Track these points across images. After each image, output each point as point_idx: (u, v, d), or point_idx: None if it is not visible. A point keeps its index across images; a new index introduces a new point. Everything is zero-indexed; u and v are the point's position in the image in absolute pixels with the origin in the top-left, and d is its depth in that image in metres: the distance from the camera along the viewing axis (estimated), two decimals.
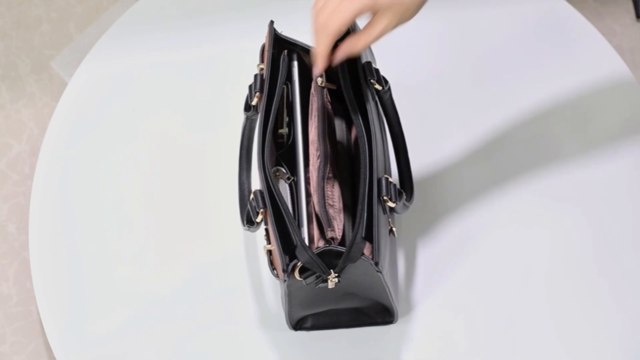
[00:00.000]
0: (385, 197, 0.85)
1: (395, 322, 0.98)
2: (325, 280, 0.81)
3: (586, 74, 1.20)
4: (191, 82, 1.24)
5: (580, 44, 1.24)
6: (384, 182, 0.85)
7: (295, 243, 0.81)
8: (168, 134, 1.19)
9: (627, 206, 1.08)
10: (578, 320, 1.00)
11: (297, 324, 0.98)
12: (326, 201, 0.89)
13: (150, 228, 1.11)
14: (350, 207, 0.95)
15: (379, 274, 0.83)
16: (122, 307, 1.05)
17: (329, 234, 0.87)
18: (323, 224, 0.87)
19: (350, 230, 0.92)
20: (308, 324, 0.98)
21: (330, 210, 0.89)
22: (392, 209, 0.87)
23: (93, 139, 1.19)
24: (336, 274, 0.81)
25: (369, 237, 0.82)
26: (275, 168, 0.94)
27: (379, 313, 0.97)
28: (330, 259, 0.82)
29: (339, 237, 0.88)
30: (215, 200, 1.11)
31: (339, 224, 0.89)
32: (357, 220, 0.82)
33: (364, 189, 0.83)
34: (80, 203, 1.13)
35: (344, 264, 0.80)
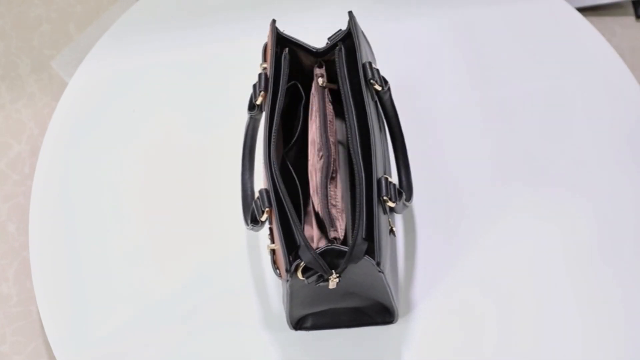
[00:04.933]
0: (385, 197, 0.84)
1: (396, 322, 0.98)
2: (327, 280, 0.82)
3: (586, 74, 1.20)
4: (191, 82, 1.24)
5: (580, 44, 1.24)
6: (383, 182, 0.85)
7: (298, 243, 0.81)
8: (168, 134, 1.19)
9: (629, 205, 1.08)
10: (580, 320, 1.00)
11: (297, 324, 0.98)
12: (329, 201, 0.89)
13: (151, 228, 1.10)
14: (351, 207, 0.95)
15: (381, 274, 0.83)
16: (122, 307, 1.05)
17: (332, 234, 0.87)
18: (326, 224, 0.87)
19: (351, 231, 0.92)
20: (308, 323, 0.98)
21: (333, 211, 0.89)
22: (392, 209, 0.87)
23: (93, 139, 1.19)
24: (337, 274, 0.81)
25: (370, 237, 0.82)
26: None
27: (379, 313, 0.97)
28: (332, 259, 0.82)
29: (342, 237, 0.88)
30: (216, 200, 1.11)
31: (341, 224, 0.89)
32: (357, 221, 0.82)
33: (360, 189, 0.83)
34: (80, 203, 1.13)
35: (346, 264, 0.80)
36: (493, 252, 1.05)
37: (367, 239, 0.81)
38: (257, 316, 1.02)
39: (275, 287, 1.04)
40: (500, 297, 1.02)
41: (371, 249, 0.82)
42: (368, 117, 0.88)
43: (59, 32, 1.62)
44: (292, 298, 0.88)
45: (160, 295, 1.05)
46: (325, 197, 0.88)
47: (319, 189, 0.89)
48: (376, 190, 0.84)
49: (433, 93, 1.20)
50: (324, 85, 0.95)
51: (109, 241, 1.10)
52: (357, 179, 0.84)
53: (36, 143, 1.47)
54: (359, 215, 0.82)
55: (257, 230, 0.90)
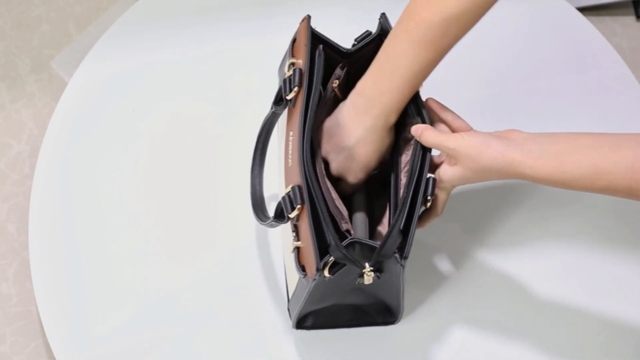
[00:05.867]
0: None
1: (398, 322, 0.98)
2: (361, 275, 0.81)
3: (586, 74, 1.20)
4: (191, 81, 1.24)
5: (580, 44, 1.24)
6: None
7: (328, 242, 0.81)
8: (168, 134, 1.18)
9: (630, 205, 1.08)
10: (578, 320, 1.00)
11: (298, 323, 0.98)
12: (332, 195, 0.89)
13: (151, 228, 1.10)
14: (354, 205, 0.95)
15: (402, 268, 0.83)
16: (122, 307, 1.05)
17: (344, 226, 0.87)
18: (336, 217, 0.87)
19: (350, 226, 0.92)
20: (308, 323, 0.98)
21: (338, 204, 0.89)
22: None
23: (93, 139, 1.19)
24: (371, 268, 0.80)
25: (406, 231, 0.81)
26: None
27: (380, 313, 0.97)
28: (355, 252, 0.82)
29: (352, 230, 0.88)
30: (218, 198, 1.11)
31: (347, 217, 0.89)
32: (398, 213, 0.81)
33: (410, 184, 0.83)
34: (80, 203, 1.13)
35: (377, 257, 0.80)
36: (494, 252, 1.05)
37: (402, 232, 0.81)
38: (257, 316, 1.02)
39: (274, 287, 1.04)
40: (501, 298, 1.02)
41: (402, 245, 0.82)
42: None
43: (59, 32, 1.63)
44: (310, 295, 0.88)
45: (160, 294, 1.05)
46: (329, 192, 0.88)
47: (322, 185, 0.90)
48: (423, 189, 0.84)
49: (433, 93, 1.20)
50: (336, 86, 0.95)
51: (109, 241, 1.10)
52: (409, 172, 0.84)
53: (36, 143, 1.47)
54: (401, 208, 0.82)
55: (275, 226, 0.90)
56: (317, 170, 0.90)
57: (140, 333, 1.02)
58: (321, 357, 0.99)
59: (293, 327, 0.98)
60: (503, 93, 1.19)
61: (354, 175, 0.91)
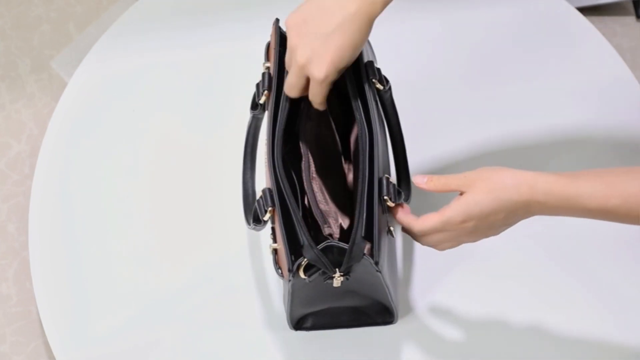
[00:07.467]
0: (385, 197, 0.84)
1: (395, 322, 0.98)
2: (332, 278, 0.81)
3: (586, 74, 1.20)
4: (191, 81, 1.24)
5: (580, 44, 1.24)
6: (384, 181, 0.85)
7: (301, 242, 0.81)
8: (168, 134, 1.19)
9: None
10: (575, 320, 1.00)
11: (298, 324, 0.98)
12: (316, 198, 0.89)
13: (151, 228, 1.10)
14: (348, 206, 0.95)
15: (379, 273, 0.83)
16: (123, 307, 1.05)
17: (326, 230, 0.87)
18: (318, 220, 0.87)
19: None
20: (308, 323, 0.98)
21: (324, 207, 0.89)
22: (390, 209, 0.87)
23: (93, 139, 1.19)
24: (341, 273, 0.81)
25: (369, 236, 0.82)
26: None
27: (379, 313, 0.97)
28: (335, 256, 0.82)
29: (337, 233, 0.88)
30: (217, 199, 1.11)
31: (335, 221, 0.89)
32: (356, 219, 0.81)
33: (362, 188, 0.83)
34: (80, 203, 1.13)
35: (347, 263, 0.80)
36: (492, 251, 1.05)
37: (366, 238, 0.81)
38: (257, 316, 1.02)
39: (275, 287, 1.04)
40: (500, 296, 1.02)
41: (370, 248, 0.82)
42: (371, 115, 0.88)
43: (59, 32, 1.63)
44: (294, 297, 0.88)
45: (160, 294, 1.05)
46: (313, 196, 0.89)
47: (307, 187, 0.90)
48: (377, 190, 0.84)
49: (433, 93, 1.20)
50: None
51: (108, 241, 1.10)
52: (360, 176, 0.84)
53: (36, 143, 1.47)
54: (358, 214, 0.81)
55: (259, 230, 0.90)
56: (303, 173, 0.91)
57: (140, 333, 1.02)
58: (321, 357, 0.99)
59: (290, 328, 0.98)
60: (502, 93, 1.19)
61: (320, 68, 0.82)
